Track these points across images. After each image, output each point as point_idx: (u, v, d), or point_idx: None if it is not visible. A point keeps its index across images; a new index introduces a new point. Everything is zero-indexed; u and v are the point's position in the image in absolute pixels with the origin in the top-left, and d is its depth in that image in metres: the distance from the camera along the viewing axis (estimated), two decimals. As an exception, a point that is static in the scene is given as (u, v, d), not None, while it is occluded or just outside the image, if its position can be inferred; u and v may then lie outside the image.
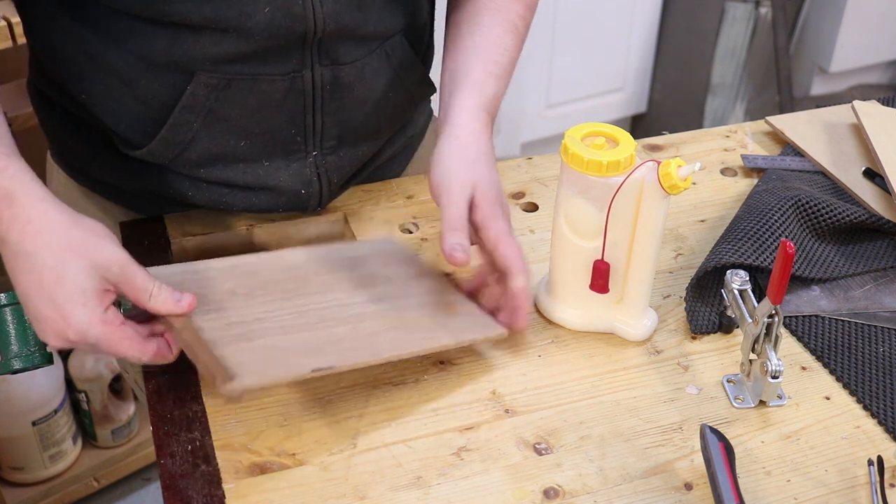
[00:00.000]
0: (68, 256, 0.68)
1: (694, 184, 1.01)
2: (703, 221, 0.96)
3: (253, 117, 0.84)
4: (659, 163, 0.73)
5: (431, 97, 1.06)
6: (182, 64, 0.79)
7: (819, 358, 0.80)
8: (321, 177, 0.89)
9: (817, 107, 1.16)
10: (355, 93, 0.87)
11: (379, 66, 0.87)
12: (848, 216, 0.91)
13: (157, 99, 0.81)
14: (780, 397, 0.76)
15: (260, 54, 0.80)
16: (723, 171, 1.04)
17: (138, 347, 0.70)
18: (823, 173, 1.02)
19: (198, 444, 0.70)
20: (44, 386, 1.63)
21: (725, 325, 0.82)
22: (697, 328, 0.82)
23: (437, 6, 0.98)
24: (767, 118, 1.11)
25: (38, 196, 0.71)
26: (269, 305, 0.75)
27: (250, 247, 0.93)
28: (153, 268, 0.75)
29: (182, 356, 0.71)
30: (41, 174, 1.02)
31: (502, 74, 0.88)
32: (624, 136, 0.76)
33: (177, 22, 0.77)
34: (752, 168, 1.04)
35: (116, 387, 1.73)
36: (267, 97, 0.83)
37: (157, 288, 0.70)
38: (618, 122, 2.62)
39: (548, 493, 0.68)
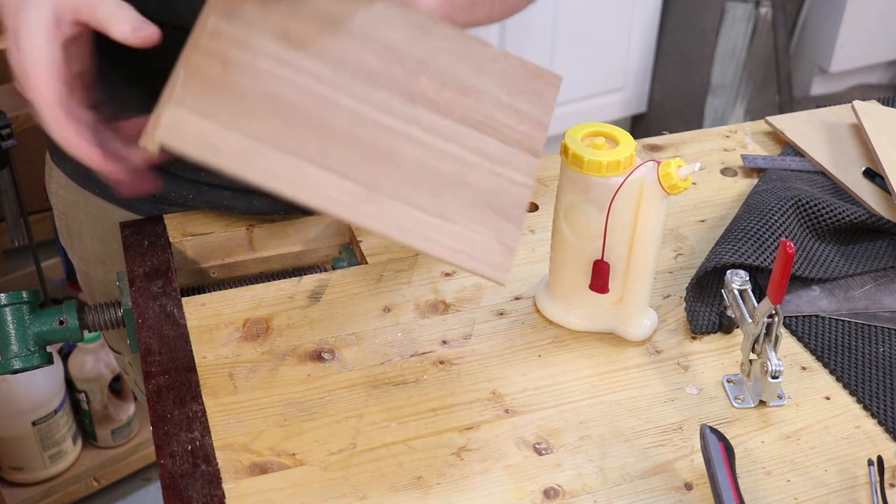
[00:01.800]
0: None
1: (694, 184, 1.01)
2: (703, 221, 0.96)
3: None
4: (659, 163, 0.73)
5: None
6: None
7: (819, 358, 0.80)
8: None
9: (817, 107, 1.16)
10: None
11: None
12: (848, 216, 0.91)
13: (158, 100, 0.81)
14: (780, 397, 0.76)
15: None
16: (723, 171, 1.04)
17: (75, 141, 0.65)
18: (823, 173, 1.02)
19: (198, 444, 0.70)
20: (44, 386, 1.63)
21: (725, 325, 0.82)
22: (697, 328, 0.82)
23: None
24: (767, 118, 1.11)
25: None
26: (314, 63, 0.66)
27: (250, 247, 0.93)
28: None
29: None
30: (41, 174, 1.02)
31: None
32: (624, 136, 0.76)
33: (178, 23, 0.77)
34: (752, 168, 1.04)
35: (116, 387, 1.73)
36: None
37: (118, 5, 0.64)
38: (618, 122, 2.62)
39: (548, 493, 0.68)
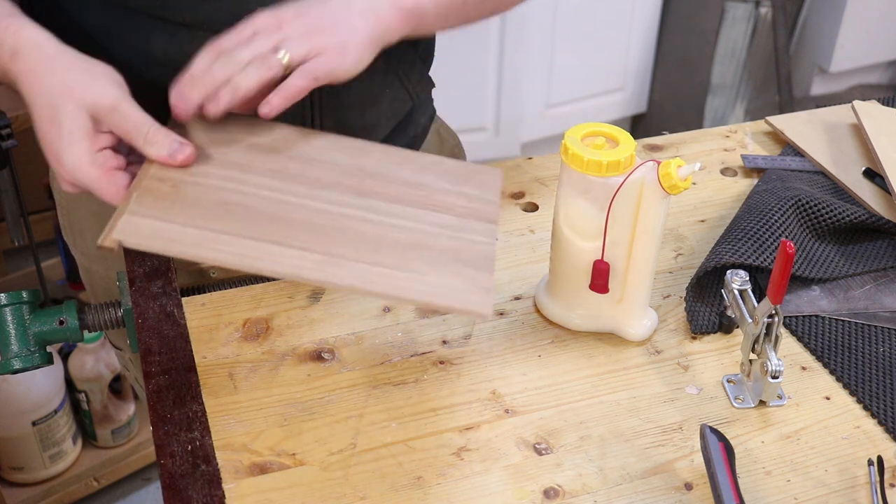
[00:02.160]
0: (61, 98, 0.68)
1: (694, 184, 1.01)
2: (703, 221, 0.96)
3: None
4: (659, 163, 0.73)
5: (433, 98, 1.06)
6: (180, 62, 0.80)
7: (819, 358, 0.80)
8: None
9: (817, 107, 1.16)
10: (353, 91, 0.86)
11: (377, 63, 0.87)
12: (848, 216, 0.91)
13: (157, 95, 0.81)
14: (780, 397, 0.76)
15: None
16: (723, 171, 1.04)
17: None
18: (823, 173, 1.02)
19: (198, 444, 0.70)
20: (44, 386, 1.63)
21: (725, 325, 0.82)
22: (697, 328, 0.82)
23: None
24: (767, 118, 1.11)
25: (40, 45, 0.70)
26: (255, 165, 0.71)
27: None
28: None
29: None
30: (42, 174, 1.02)
31: None
32: (624, 136, 0.76)
33: (173, 20, 0.77)
34: (752, 168, 1.04)
35: (116, 387, 1.73)
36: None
37: (155, 131, 0.67)
38: (618, 122, 2.62)
39: (548, 493, 0.68)
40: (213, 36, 0.77)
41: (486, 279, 0.68)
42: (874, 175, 0.99)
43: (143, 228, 0.64)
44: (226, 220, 0.66)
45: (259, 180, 0.71)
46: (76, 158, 0.66)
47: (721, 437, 0.68)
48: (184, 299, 0.83)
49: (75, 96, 0.68)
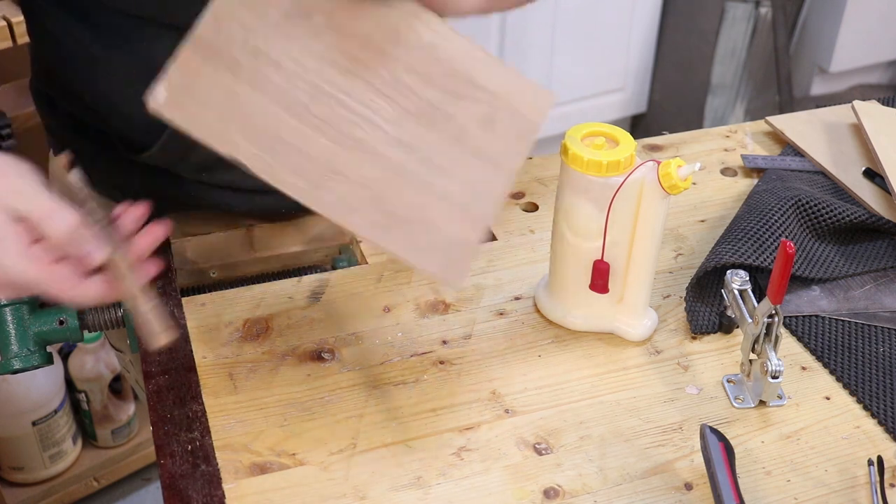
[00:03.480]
0: None
1: (694, 184, 1.01)
2: (703, 221, 0.96)
3: None
4: (659, 163, 0.73)
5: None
6: None
7: (819, 358, 0.80)
8: None
9: (817, 107, 1.16)
10: None
11: None
12: (848, 216, 0.91)
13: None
14: (780, 397, 0.76)
15: None
16: (723, 171, 1.04)
17: (74, 291, 0.65)
18: (823, 173, 1.02)
19: (198, 444, 0.70)
20: (44, 386, 1.63)
21: (725, 325, 0.82)
22: (697, 328, 0.82)
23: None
24: (767, 118, 1.11)
25: None
26: (306, 57, 0.64)
27: (250, 247, 0.93)
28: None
29: None
30: (42, 174, 1.02)
31: None
32: (624, 136, 0.76)
33: (180, 26, 0.77)
34: (752, 168, 1.04)
35: (116, 387, 1.73)
36: None
37: (69, 217, 0.64)
38: (618, 122, 2.62)
39: (548, 493, 0.68)
40: None
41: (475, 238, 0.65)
42: (874, 175, 0.99)
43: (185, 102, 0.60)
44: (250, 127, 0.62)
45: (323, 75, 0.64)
46: (12, 261, 0.63)
47: (721, 437, 0.68)
48: (184, 299, 0.83)
49: None
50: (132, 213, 0.70)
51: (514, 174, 0.69)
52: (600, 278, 0.78)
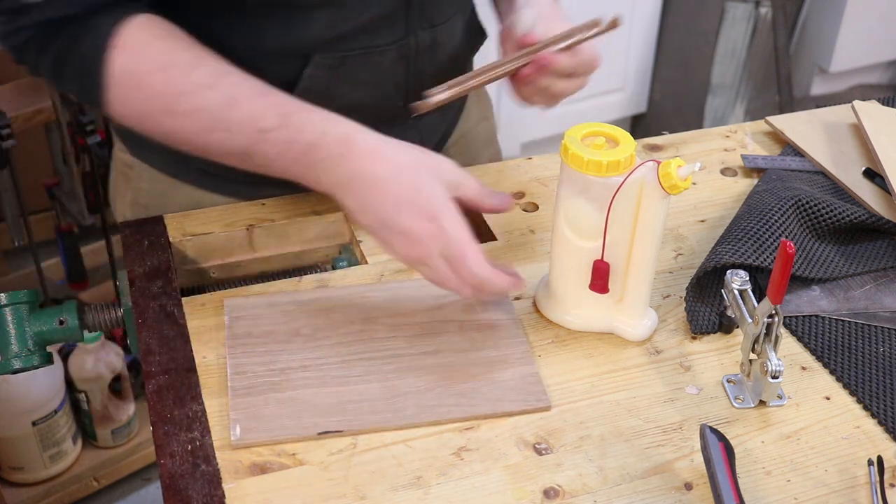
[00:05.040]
0: (422, 172, 0.74)
1: (694, 184, 1.01)
2: (703, 221, 0.96)
3: (365, 91, 0.87)
4: (659, 163, 0.73)
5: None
6: (295, 48, 0.81)
7: (819, 358, 0.80)
8: (424, 140, 0.92)
9: (817, 107, 1.16)
10: (447, 51, 0.91)
11: (459, 21, 0.91)
12: (848, 216, 0.91)
13: (272, 84, 0.80)
14: (780, 397, 0.76)
15: (371, 28, 0.83)
16: (723, 171, 1.04)
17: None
18: (823, 173, 1.02)
19: (198, 444, 0.70)
20: (44, 386, 1.63)
21: (725, 325, 0.82)
22: (697, 328, 0.82)
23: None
24: (767, 118, 1.11)
25: (370, 133, 0.75)
26: (322, 351, 0.78)
27: (250, 247, 0.93)
28: (230, 299, 0.82)
29: None
30: (42, 174, 1.02)
31: None
32: (624, 136, 0.76)
33: (290, 5, 0.78)
34: (752, 168, 1.04)
35: (116, 387, 1.73)
36: (378, 69, 0.86)
37: (488, 193, 0.77)
38: (618, 122, 2.62)
39: (548, 493, 0.68)
40: (332, 13, 0.81)
41: (534, 385, 0.76)
42: (874, 175, 0.99)
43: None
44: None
45: (333, 354, 0.78)
46: (453, 215, 0.73)
47: (721, 437, 0.68)
48: (184, 299, 0.83)
49: (432, 169, 0.74)
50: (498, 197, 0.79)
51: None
52: (600, 278, 0.78)
